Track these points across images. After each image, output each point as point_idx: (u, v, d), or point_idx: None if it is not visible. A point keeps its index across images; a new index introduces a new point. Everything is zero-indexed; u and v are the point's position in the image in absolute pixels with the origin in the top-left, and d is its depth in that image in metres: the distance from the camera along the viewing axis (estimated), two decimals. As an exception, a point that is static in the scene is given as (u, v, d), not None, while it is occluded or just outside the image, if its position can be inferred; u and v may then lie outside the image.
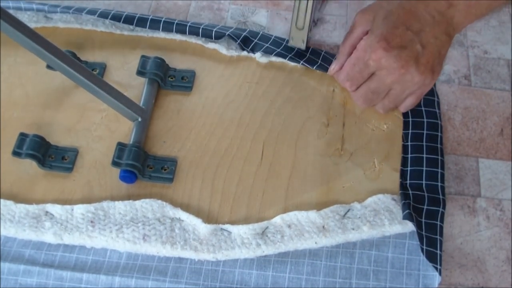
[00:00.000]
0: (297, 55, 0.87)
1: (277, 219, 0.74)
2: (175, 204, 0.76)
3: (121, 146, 0.77)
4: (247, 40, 0.89)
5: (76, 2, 0.96)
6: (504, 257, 0.73)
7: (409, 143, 0.79)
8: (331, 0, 0.97)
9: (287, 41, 0.88)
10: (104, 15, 0.91)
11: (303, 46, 0.86)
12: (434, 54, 0.70)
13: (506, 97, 0.85)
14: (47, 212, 0.75)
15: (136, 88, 0.85)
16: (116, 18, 0.90)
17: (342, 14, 0.96)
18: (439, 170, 0.77)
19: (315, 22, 0.86)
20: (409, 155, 0.79)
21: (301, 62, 0.87)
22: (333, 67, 0.80)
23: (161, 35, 0.91)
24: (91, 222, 0.74)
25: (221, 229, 0.74)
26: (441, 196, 0.75)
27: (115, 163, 0.76)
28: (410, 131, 0.80)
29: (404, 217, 0.72)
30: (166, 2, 0.97)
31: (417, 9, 0.70)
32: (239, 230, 0.73)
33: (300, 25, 0.82)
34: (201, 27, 0.89)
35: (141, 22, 0.90)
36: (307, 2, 0.79)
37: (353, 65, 0.74)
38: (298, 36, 0.84)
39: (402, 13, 0.71)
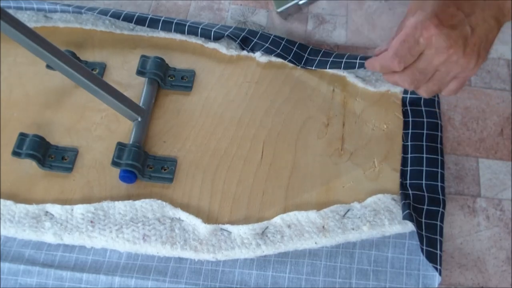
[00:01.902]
0: (295, 57, 0.87)
1: (277, 219, 0.74)
2: (175, 204, 0.76)
3: (121, 146, 0.77)
4: (247, 40, 0.89)
5: (76, 2, 0.96)
6: (504, 257, 0.73)
7: (409, 143, 0.79)
8: (332, 0, 0.97)
9: (286, 41, 0.88)
10: (104, 12, 0.91)
11: (284, 16, 0.87)
12: (481, 38, 0.69)
13: (506, 97, 0.85)
14: (47, 212, 0.75)
15: (136, 87, 0.85)
16: (116, 16, 0.90)
17: (342, 14, 0.96)
18: (439, 170, 0.77)
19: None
20: (409, 155, 0.78)
21: (300, 65, 0.87)
22: (379, 48, 0.76)
23: (161, 34, 0.91)
24: (91, 222, 0.74)
25: (221, 229, 0.74)
26: (441, 196, 0.75)
27: (115, 163, 0.76)
28: (410, 131, 0.80)
29: (404, 217, 0.72)
30: (166, 2, 0.97)
31: None
32: (239, 230, 0.73)
33: None
34: (200, 27, 0.89)
35: (141, 21, 0.90)
36: None
37: (403, 41, 0.71)
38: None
39: None
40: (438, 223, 0.73)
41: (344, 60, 0.83)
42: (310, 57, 0.87)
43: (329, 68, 0.85)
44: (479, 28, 0.68)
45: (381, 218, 0.73)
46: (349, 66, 0.82)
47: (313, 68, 0.86)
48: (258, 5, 0.97)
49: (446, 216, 0.75)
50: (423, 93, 0.73)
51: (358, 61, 0.79)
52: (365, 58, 0.81)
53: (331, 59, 0.85)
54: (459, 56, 0.68)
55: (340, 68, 0.83)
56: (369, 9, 0.95)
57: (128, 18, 0.90)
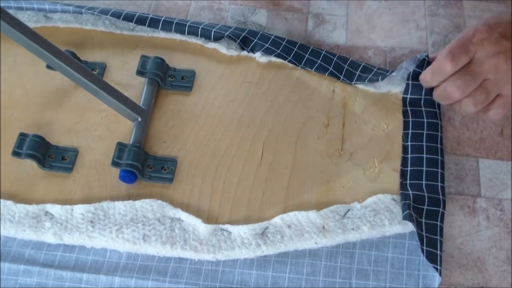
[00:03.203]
0: (296, 58, 0.87)
1: (277, 219, 0.74)
2: (175, 204, 0.76)
3: (121, 146, 0.77)
4: (247, 40, 0.89)
5: (76, 2, 0.96)
6: (504, 257, 0.73)
7: (409, 143, 0.79)
8: (332, 0, 0.97)
9: (287, 41, 0.88)
10: (104, 12, 0.91)
11: None
12: None
13: (506, 97, 0.85)
14: (47, 212, 0.75)
15: (136, 88, 0.85)
16: (116, 15, 0.90)
17: (342, 14, 0.96)
18: (439, 170, 0.77)
19: None
20: (409, 155, 0.78)
21: (300, 65, 0.87)
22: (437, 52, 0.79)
23: (161, 34, 0.91)
24: (91, 222, 0.74)
25: (221, 229, 0.74)
26: (441, 196, 0.75)
27: (115, 163, 0.76)
28: (410, 131, 0.80)
29: (404, 218, 0.72)
30: (166, 2, 0.97)
31: None
32: (239, 230, 0.73)
33: None
34: (200, 27, 0.89)
35: (141, 20, 0.90)
36: None
37: (457, 40, 0.73)
38: None
39: (507, 16, 0.72)
40: (438, 223, 0.73)
41: (346, 67, 0.86)
42: (311, 58, 0.87)
43: (327, 75, 0.86)
44: None
45: (381, 218, 0.73)
46: (359, 79, 0.85)
47: (313, 70, 0.86)
48: (258, 5, 0.97)
49: (446, 216, 0.75)
50: (470, 102, 0.74)
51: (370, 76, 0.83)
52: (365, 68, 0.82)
53: (330, 68, 0.86)
54: (508, 66, 0.70)
55: (341, 76, 0.85)
56: (369, 9, 0.95)
57: (129, 18, 0.90)
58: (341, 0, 0.97)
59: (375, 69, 0.85)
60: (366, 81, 0.83)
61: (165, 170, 0.78)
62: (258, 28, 0.94)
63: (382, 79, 0.83)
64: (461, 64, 0.72)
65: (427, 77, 0.76)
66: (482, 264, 0.72)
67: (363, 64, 0.86)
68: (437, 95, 0.77)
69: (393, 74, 0.82)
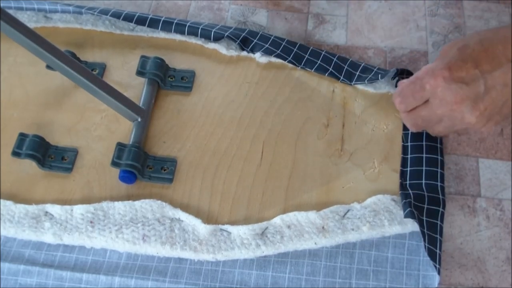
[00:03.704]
0: (296, 58, 0.87)
1: (277, 220, 0.74)
2: (174, 204, 0.76)
3: (120, 146, 0.77)
4: (247, 40, 0.89)
5: (76, 2, 0.96)
6: (504, 257, 0.73)
7: (408, 144, 0.79)
8: (332, 0, 0.97)
9: (287, 41, 0.88)
10: (104, 12, 0.91)
11: None
12: (495, 102, 0.67)
13: (506, 97, 0.85)
14: (46, 212, 0.75)
15: (136, 88, 0.85)
16: (116, 15, 0.90)
17: (342, 14, 0.96)
18: (439, 170, 0.77)
19: None
20: (409, 156, 0.78)
21: (300, 66, 0.87)
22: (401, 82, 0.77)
23: (161, 35, 0.91)
24: (91, 222, 0.74)
25: (221, 229, 0.74)
26: (441, 196, 0.75)
27: (114, 164, 0.76)
28: (410, 131, 0.80)
29: (406, 216, 0.72)
30: (166, 2, 0.97)
31: (494, 50, 0.67)
32: (239, 231, 0.73)
33: None
34: (200, 27, 0.89)
35: (141, 21, 0.90)
36: None
37: (410, 83, 0.72)
38: None
39: (478, 51, 0.67)
40: (439, 222, 0.72)
41: (346, 67, 0.86)
42: (311, 58, 0.87)
43: (327, 75, 0.86)
44: (495, 91, 0.67)
45: (381, 219, 0.73)
46: (358, 79, 0.85)
47: (312, 71, 0.86)
48: (258, 5, 0.97)
49: (446, 216, 0.75)
50: (430, 132, 0.76)
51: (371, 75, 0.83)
52: (365, 69, 0.82)
53: (330, 69, 0.86)
54: (464, 116, 0.68)
55: (341, 77, 0.85)
56: (369, 9, 0.95)
57: (129, 18, 0.90)
58: (341, 0, 0.97)
59: (375, 69, 0.84)
60: (366, 81, 0.83)
61: (164, 170, 0.78)
62: (258, 28, 0.94)
63: (382, 78, 0.83)
64: (410, 106, 0.72)
65: (395, 103, 0.76)
66: (482, 264, 0.72)
67: (363, 64, 0.86)
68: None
69: (391, 72, 0.82)
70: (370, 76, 0.83)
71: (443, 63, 0.68)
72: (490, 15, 0.93)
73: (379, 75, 0.83)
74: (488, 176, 0.79)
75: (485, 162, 0.80)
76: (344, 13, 0.96)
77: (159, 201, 0.75)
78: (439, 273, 0.69)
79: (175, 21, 0.90)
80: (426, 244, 0.70)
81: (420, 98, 0.71)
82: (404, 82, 0.73)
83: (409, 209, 0.72)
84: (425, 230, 0.71)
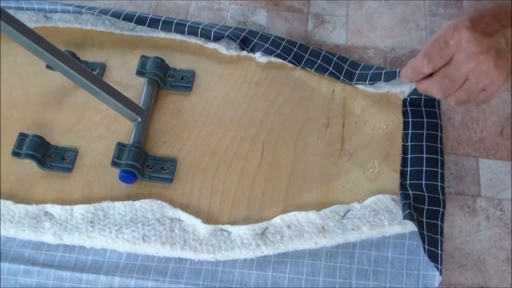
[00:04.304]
0: (295, 58, 0.87)
1: (277, 220, 0.74)
2: (174, 204, 0.76)
3: (120, 146, 0.77)
4: (247, 40, 0.89)
5: (76, 2, 0.96)
6: (504, 257, 0.73)
7: (409, 143, 0.79)
8: (332, 0, 0.97)
9: (287, 41, 0.88)
10: (104, 12, 0.91)
11: None
12: None
13: (506, 97, 0.85)
14: (46, 212, 0.75)
15: (136, 88, 0.85)
16: (116, 15, 0.90)
17: (342, 14, 0.96)
18: (439, 170, 0.77)
19: None
20: (409, 155, 0.78)
21: (300, 66, 0.87)
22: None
23: (161, 35, 0.91)
24: (91, 222, 0.74)
25: (221, 229, 0.74)
26: (441, 196, 0.75)
27: (114, 164, 0.76)
28: (410, 131, 0.80)
29: (405, 217, 0.72)
30: (166, 2, 0.97)
31: (507, 6, 0.67)
32: (239, 231, 0.73)
33: None
34: (200, 27, 0.89)
35: (141, 20, 0.90)
36: None
37: (434, 41, 0.69)
38: None
39: (492, 6, 0.68)
40: (439, 223, 0.73)
41: (346, 67, 0.86)
42: (311, 58, 0.87)
43: (327, 75, 0.86)
44: None
45: (381, 219, 0.73)
46: (359, 79, 0.85)
47: (313, 70, 0.86)
48: (258, 5, 0.97)
49: (446, 216, 0.75)
50: (452, 102, 0.72)
51: (372, 71, 0.83)
52: (368, 68, 0.83)
53: (330, 69, 0.86)
54: (489, 66, 0.66)
55: (342, 77, 0.85)
56: (369, 9, 0.95)
57: (129, 18, 0.90)
58: (341, 0, 0.98)
59: (374, 67, 0.84)
60: (367, 82, 0.83)
61: (164, 170, 0.78)
62: (258, 28, 0.94)
63: (384, 80, 0.82)
64: (437, 66, 0.70)
65: (408, 74, 0.73)
66: (482, 264, 0.73)
67: (362, 64, 0.86)
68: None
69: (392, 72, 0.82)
70: (371, 71, 0.83)
71: (463, 16, 0.67)
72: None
73: (382, 76, 0.82)
74: (488, 176, 0.79)
75: (485, 162, 0.80)
76: (344, 13, 0.96)
77: (159, 201, 0.75)
78: (441, 273, 0.69)
79: (175, 21, 0.90)
80: (426, 246, 0.70)
81: (446, 56, 0.69)
82: (427, 43, 0.70)
83: (408, 210, 0.72)
84: (425, 232, 0.71)
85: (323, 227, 0.73)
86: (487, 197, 0.77)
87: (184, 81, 0.86)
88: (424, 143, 0.79)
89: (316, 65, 0.86)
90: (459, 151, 0.81)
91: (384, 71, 0.82)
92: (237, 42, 0.89)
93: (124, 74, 0.87)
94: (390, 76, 0.82)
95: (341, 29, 0.94)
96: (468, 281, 0.72)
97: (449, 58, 0.68)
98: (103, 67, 0.88)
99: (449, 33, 0.67)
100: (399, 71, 0.77)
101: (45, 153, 0.79)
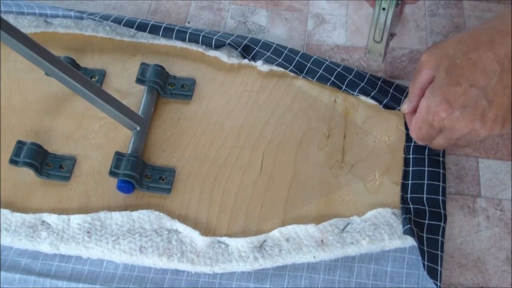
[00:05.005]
0: (297, 67, 0.86)
1: (275, 233, 0.73)
2: (172, 215, 0.75)
3: (119, 156, 0.77)
4: (248, 48, 0.88)
5: (76, 2, 0.95)
6: (504, 257, 0.73)
7: (410, 156, 0.79)
8: (332, 0, 0.97)
9: (289, 50, 0.87)
10: (105, 17, 0.90)
11: (380, 60, 0.82)
12: (503, 105, 0.66)
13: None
14: (43, 221, 0.74)
15: (135, 95, 0.85)
16: (117, 21, 0.90)
17: (342, 14, 0.96)
18: (441, 184, 0.76)
19: (392, 36, 0.83)
20: (410, 168, 0.78)
21: (302, 75, 0.86)
22: (405, 107, 0.76)
23: (162, 41, 0.90)
24: (88, 232, 0.73)
25: (219, 241, 0.73)
26: (442, 211, 0.74)
27: (112, 173, 0.75)
28: (412, 143, 0.79)
29: (405, 232, 0.71)
30: (166, 2, 0.97)
31: (484, 59, 0.66)
32: (237, 243, 0.73)
33: (378, 38, 0.80)
34: (202, 34, 0.88)
35: (142, 27, 0.89)
36: (387, 14, 0.77)
37: (419, 128, 0.72)
38: (376, 50, 0.81)
39: (467, 66, 0.67)
40: (440, 238, 0.72)
41: (351, 77, 0.85)
42: (313, 67, 0.86)
43: (329, 85, 0.86)
44: (499, 97, 0.66)
45: (381, 233, 0.73)
46: (362, 91, 0.84)
47: (314, 80, 0.86)
48: (258, 5, 0.97)
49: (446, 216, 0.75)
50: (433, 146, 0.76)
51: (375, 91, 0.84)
52: (372, 79, 0.84)
53: (332, 78, 0.85)
54: (479, 132, 0.67)
55: (344, 87, 0.85)
56: (369, 9, 0.94)
57: (130, 24, 0.90)
58: (341, 0, 0.97)
59: (379, 82, 0.84)
60: (369, 97, 0.83)
61: (163, 180, 0.78)
62: (258, 28, 0.94)
63: (383, 107, 0.83)
64: (431, 139, 0.74)
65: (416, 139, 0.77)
66: (482, 264, 0.73)
67: (368, 75, 0.85)
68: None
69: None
70: (374, 93, 0.83)
71: (438, 96, 0.68)
72: (490, 15, 0.93)
73: (384, 100, 0.83)
74: (488, 176, 0.79)
75: (485, 162, 0.80)
76: (344, 13, 0.96)
77: (156, 212, 0.75)
78: (439, 289, 0.69)
79: (176, 28, 0.89)
80: (426, 262, 0.69)
81: (436, 132, 0.71)
82: (414, 126, 0.73)
83: (408, 225, 0.71)
84: (425, 248, 0.70)
85: (322, 241, 0.72)
86: (487, 197, 0.77)
87: (184, 89, 0.85)
88: (426, 156, 0.78)
89: (318, 74, 0.85)
90: (459, 151, 0.81)
91: (384, 102, 0.83)
92: (238, 50, 0.88)
93: (124, 81, 0.87)
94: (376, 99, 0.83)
95: (341, 29, 0.94)
96: (468, 281, 0.72)
97: (439, 130, 0.71)
98: (103, 74, 0.87)
99: (429, 117, 0.69)
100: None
101: (43, 161, 0.79)
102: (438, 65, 0.69)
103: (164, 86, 0.85)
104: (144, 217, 0.74)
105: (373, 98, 0.83)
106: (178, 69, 0.88)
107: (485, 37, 0.68)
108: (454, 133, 0.69)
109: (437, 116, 0.68)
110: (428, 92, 0.70)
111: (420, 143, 0.77)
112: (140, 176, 0.77)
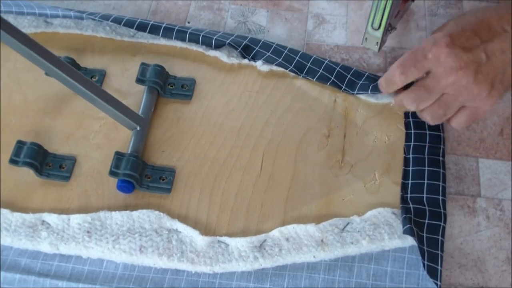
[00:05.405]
0: (297, 67, 0.86)
1: (275, 232, 0.73)
2: (172, 215, 0.75)
3: (119, 156, 0.77)
4: (248, 48, 0.88)
5: (76, 2, 0.95)
6: (504, 257, 0.73)
7: (410, 156, 0.79)
8: (332, 0, 0.97)
9: (289, 50, 0.87)
10: (105, 17, 0.90)
11: (376, 48, 0.81)
12: (497, 69, 0.67)
13: (506, 97, 0.85)
14: (43, 221, 0.74)
15: (135, 95, 0.85)
16: (117, 21, 0.90)
17: (342, 14, 0.96)
18: (441, 184, 0.76)
19: (391, 28, 0.82)
20: (411, 168, 0.78)
21: (302, 75, 0.86)
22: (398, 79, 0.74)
23: (162, 41, 0.90)
24: (88, 232, 0.73)
25: (219, 241, 0.73)
26: (442, 210, 0.74)
27: (112, 173, 0.75)
28: (412, 143, 0.79)
29: (405, 232, 0.71)
30: (166, 2, 0.97)
31: (489, 20, 0.68)
32: (237, 243, 0.73)
33: (376, 25, 0.79)
34: (202, 34, 0.88)
35: (142, 27, 0.89)
36: (387, 0, 0.76)
37: (412, 53, 0.70)
38: (373, 37, 0.80)
39: (474, 20, 0.68)
40: (440, 237, 0.72)
41: (349, 76, 0.85)
42: (313, 67, 0.86)
43: (329, 84, 0.86)
44: (495, 58, 0.67)
45: (381, 232, 0.73)
46: (361, 88, 0.84)
47: (314, 80, 0.86)
48: (258, 5, 0.97)
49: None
50: (427, 116, 0.73)
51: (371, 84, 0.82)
52: (371, 78, 0.83)
53: (332, 78, 0.85)
54: (469, 81, 0.67)
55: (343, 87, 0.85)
56: (369, 9, 0.94)
57: (130, 24, 0.89)
58: (341, 0, 0.97)
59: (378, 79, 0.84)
60: (369, 91, 0.82)
61: (163, 180, 0.78)
62: (258, 28, 0.94)
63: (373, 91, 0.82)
64: (410, 78, 0.71)
65: (382, 85, 0.75)
66: (482, 264, 0.73)
67: (367, 74, 0.85)
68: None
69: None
70: (374, 84, 0.82)
71: (442, 32, 0.68)
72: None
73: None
74: (488, 176, 0.79)
75: (485, 162, 0.80)
76: (344, 13, 0.96)
77: (156, 212, 0.75)
78: (440, 289, 0.69)
79: (176, 28, 0.89)
80: (426, 262, 0.69)
81: (422, 68, 0.69)
82: (406, 54, 0.71)
83: (408, 225, 0.71)
84: (425, 247, 0.70)
85: (322, 240, 0.72)
86: (487, 197, 0.77)
87: (184, 89, 0.85)
88: (426, 156, 0.78)
89: (318, 74, 0.85)
90: (459, 151, 0.81)
91: (360, 81, 0.84)
92: (238, 50, 0.88)
93: (124, 81, 0.87)
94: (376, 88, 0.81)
95: (341, 29, 0.94)
96: (468, 281, 0.72)
97: (424, 71, 0.69)
98: (103, 74, 0.87)
99: (428, 47, 0.68)
100: (371, 86, 0.78)
101: (43, 161, 0.79)
102: (448, 22, 0.71)
103: (164, 86, 0.85)
104: (144, 217, 0.74)
105: (372, 91, 0.82)
106: (178, 69, 0.88)
107: (493, 9, 0.70)
108: (444, 75, 0.68)
109: (436, 47, 0.67)
110: (436, 32, 0.70)
111: (397, 72, 0.71)
112: (140, 176, 0.77)
